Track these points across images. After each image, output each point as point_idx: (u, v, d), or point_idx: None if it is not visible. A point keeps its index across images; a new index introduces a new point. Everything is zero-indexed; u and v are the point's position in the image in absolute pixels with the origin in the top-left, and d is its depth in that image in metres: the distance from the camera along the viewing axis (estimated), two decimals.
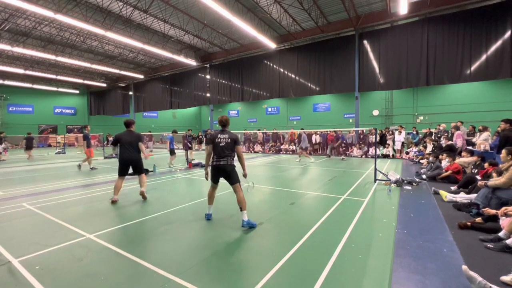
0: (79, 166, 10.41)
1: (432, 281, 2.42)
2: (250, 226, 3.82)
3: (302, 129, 13.02)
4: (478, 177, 5.80)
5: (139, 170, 5.68)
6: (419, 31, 13.57)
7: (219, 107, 36.34)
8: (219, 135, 4.09)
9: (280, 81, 18.51)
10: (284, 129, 27.40)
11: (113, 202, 5.28)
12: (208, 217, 4.23)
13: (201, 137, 21.84)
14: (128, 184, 7.33)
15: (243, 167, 4.19)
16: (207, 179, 4.18)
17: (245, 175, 4.20)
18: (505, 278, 2.41)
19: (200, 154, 16.76)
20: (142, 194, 5.53)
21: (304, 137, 12.63)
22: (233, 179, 4.07)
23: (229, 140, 4.06)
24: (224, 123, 4.17)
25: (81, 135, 30.68)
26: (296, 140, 17.22)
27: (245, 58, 20.44)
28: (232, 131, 4.17)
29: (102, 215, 4.55)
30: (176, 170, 9.96)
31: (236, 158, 4.12)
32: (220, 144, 4.04)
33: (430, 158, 8.75)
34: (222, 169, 4.03)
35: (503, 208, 3.44)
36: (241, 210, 3.89)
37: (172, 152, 11.25)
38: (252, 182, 6.04)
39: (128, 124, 5.64)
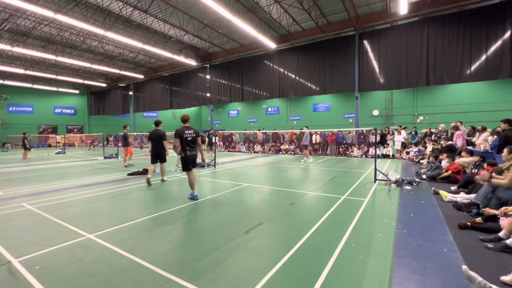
0: (126, 165, 11.00)
1: (432, 281, 2.42)
2: (192, 198, 5.32)
3: (307, 127, 12.79)
4: (478, 177, 5.80)
5: (162, 160, 7.50)
6: (419, 31, 13.57)
7: (219, 107, 36.32)
8: (185, 131, 5.30)
9: (280, 81, 18.51)
10: (284, 129, 27.42)
11: (148, 180, 7.00)
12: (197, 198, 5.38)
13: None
14: (128, 184, 7.33)
15: (202, 154, 5.68)
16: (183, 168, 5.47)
17: (203, 160, 5.88)
18: (505, 278, 2.40)
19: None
20: (162, 181, 7.55)
21: (307, 135, 12.53)
22: (194, 166, 5.50)
23: (194, 135, 5.36)
24: (185, 119, 5.45)
25: (80, 134, 30.91)
26: (295, 139, 17.07)
27: (245, 58, 20.44)
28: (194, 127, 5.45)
29: (102, 215, 4.55)
30: (176, 169, 9.96)
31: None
32: (188, 138, 5.29)
33: (430, 158, 8.76)
34: (191, 158, 5.35)
35: (503, 208, 3.44)
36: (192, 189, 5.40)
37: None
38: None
39: (156, 123, 7.60)
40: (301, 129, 13.43)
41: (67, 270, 2.70)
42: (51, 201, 5.52)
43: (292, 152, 17.28)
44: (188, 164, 5.36)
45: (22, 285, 2.44)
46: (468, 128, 11.01)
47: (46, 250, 3.15)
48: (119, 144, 18.70)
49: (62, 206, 5.14)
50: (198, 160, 5.70)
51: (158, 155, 7.33)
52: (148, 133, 7.25)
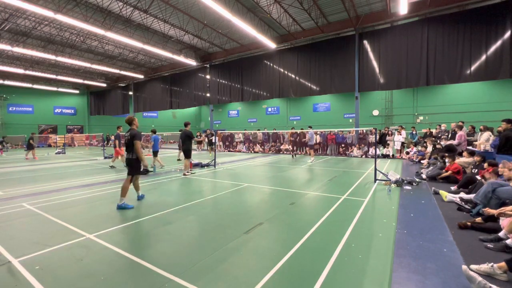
0: (112, 166, 10.91)
1: (432, 281, 2.42)
2: (122, 208, 4.81)
3: (310, 127, 12.71)
4: (478, 177, 5.80)
5: (187, 156, 8.60)
6: (419, 31, 13.57)
7: (219, 107, 36.34)
8: (125, 133, 5.11)
9: (280, 81, 18.51)
10: (284, 129, 27.42)
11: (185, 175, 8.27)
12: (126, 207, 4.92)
13: (199, 137, 21.86)
14: None
15: (141, 159, 5.10)
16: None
17: (145, 166, 5.47)
18: (474, 266, 2.55)
19: (199, 155, 16.76)
20: (184, 175, 8.52)
21: (312, 135, 12.48)
22: (131, 171, 5.13)
23: (129, 137, 5.03)
24: (128, 122, 5.18)
25: (79, 134, 30.91)
26: (297, 139, 16.93)
27: (245, 58, 20.44)
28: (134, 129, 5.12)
29: (102, 215, 4.55)
30: (177, 170, 9.96)
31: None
32: (125, 141, 5.07)
33: (432, 158, 8.74)
34: (127, 161, 5.09)
35: (501, 209, 3.42)
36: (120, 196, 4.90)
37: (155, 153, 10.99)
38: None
39: (185, 124, 8.64)
40: (302, 129, 13.43)
41: (67, 270, 2.70)
42: (51, 201, 5.52)
43: (290, 153, 17.26)
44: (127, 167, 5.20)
45: (22, 285, 2.44)
46: (469, 128, 11.02)
47: (46, 250, 3.16)
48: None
49: (62, 206, 5.14)
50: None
51: (184, 152, 8.54)
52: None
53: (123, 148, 10.81)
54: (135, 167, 5.11)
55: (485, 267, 2.49)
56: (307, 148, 13.00)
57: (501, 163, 4.85)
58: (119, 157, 10.99)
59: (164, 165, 10.99)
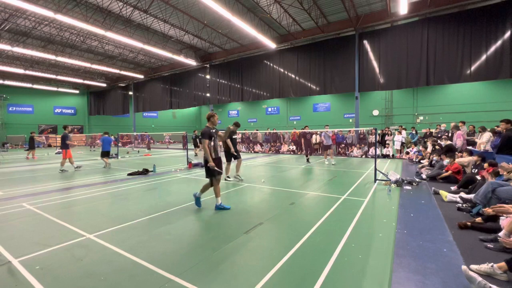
0: (62, 170, 9.64)
1: (432, 281, 2.42)
2: (221, 208, 4.56)
3: (327, 126, 11.61)
4: (478, 177, 5.81)
5: (235, 157, 7.66)
6: (419, 31, 13.57)
7: (219, 107, 36.33)
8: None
9: (280, 81, 18.51)
10: (284, 129, 27.41)
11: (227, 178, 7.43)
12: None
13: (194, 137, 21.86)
14: (128, 184, 7.33)
15: (207, 158, 4.63)
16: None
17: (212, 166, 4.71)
18: (474, 266, 2.54)
19: (199, 154, 16.74)
20: (237, 176, 7.68)
21: (326, 134, 11.56)
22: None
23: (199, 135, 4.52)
24: (207, 117, 4.84)
25: (81, 135, 30.94)
26: (300, 139, 16.62)
27: (245, 58, 20.44)
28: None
29: (102, 215, 4.55)
30: (176, 170, 9.96)
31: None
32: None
33: (435, 158, 8.73)
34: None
35: (499, 205, 3.36)
36: None
37: (106, 154, 11.00)
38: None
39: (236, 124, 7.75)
40: (306, 130, 12.96)
41: (67, 270, 2.70)
42: (51, 201, 5.52)
43: (292, 153, 17.27)
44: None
45: (22, 285, 2.44)
46: (469, 127, 11.03)
47: (46, 250, 3.16)
48: (119, 144, 18.71)
49: (62, 206, 5.14)
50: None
51: (226, 153, 7.55)
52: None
53: (70, 151, 9.86)
54: (207, 170, 4.61)
55: (485, 267, 2.49)
56: (325, 151, 11.88)
57: (500, 166, 4.86)
58: (68, 159, 9.88)
59: (109, 164, 10.84)
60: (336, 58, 16.18)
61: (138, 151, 20.95)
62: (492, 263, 2.48)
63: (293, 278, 2.50)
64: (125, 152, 19.28)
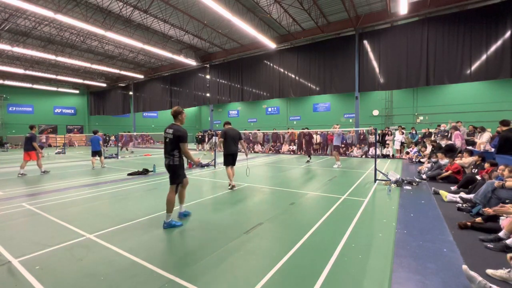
0: (22, 174, 8.73)
1: (432, 281, 2.42)
2: (172, 226, 3.84)
3: (338, 125, 10.33)
4: (478, 177, 5.80)
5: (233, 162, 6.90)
6: (419, 31, 13.57)
7: (219, 107, 36.30)
8: (166, 129, 3.91)
9: (280, 81, 18.51)
10: (284, 129, 27.39)
11: (233, 187, 6.40)
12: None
13: (200, 137, 21.89)
14: (128, 184, 7.33)
15: (192, 160, 4.16)
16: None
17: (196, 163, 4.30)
18: (490, 271, 2.49)
19: (200, 154, 16.73)
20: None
21: (340, 134, 10.57)
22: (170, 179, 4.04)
23: (172, 136, 3.82)
24: (174, 114, 4.03)
25: (76, 135, 30.95)
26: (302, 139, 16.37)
27: (245, 58, 20.43)
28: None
29: (102, 215, 4.55)
30: None
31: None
32: (166, 140, 3.92)
33: (433, 159, 8.73)
34: (169, 168, 3.99)
35: (500, 205, 3.38)
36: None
37: (100, 153, 11.05)
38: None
39: (230, 122, 7.03)
40: (308, 130, 12.95)
41: (67, 270, 2.70)
42: (51, 201, 5.52)
43: (292, 153, 17.26)
44: None
45: (22, 285, 2.44)
46: (469, 127, 11.02)
47: (46, 250, 3.15)
48: (119, 144, 18.69)
49: (62, 206, 5.14)
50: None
51: (235, 156, 6.75)
52: (222, 131, 6.57)
53: (36, 152, 8.91)
54: (178, 174, 4.01)
55: (501, 272, 2.45)
56: (333, 151, 10.98)
57: (499, 169, 4.85)
58: (37, 162, 9.12)
59: (95, 167, 10.91)
60: (336, 58, 16.18)
61: (132, 151, 20.66)
62: (509, 269, 2.43)
63: (293, 278, 2.50)
64: (130, 152, 19.29)
